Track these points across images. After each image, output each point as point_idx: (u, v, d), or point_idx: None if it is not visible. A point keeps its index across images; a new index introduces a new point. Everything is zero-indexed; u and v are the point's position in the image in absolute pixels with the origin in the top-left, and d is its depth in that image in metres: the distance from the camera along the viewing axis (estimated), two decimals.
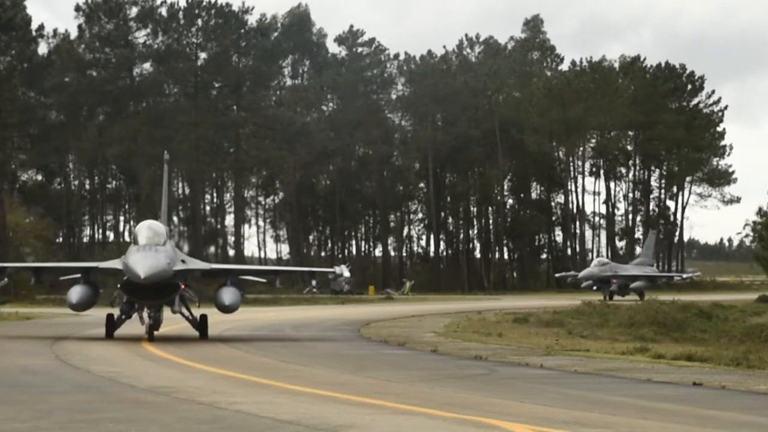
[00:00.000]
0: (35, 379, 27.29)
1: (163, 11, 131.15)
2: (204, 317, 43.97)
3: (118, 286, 41.64)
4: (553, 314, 63.09)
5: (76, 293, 43.28)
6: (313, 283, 58.08)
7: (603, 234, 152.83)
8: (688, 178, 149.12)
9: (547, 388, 25.36)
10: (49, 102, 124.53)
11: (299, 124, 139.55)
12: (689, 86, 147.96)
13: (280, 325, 53.41)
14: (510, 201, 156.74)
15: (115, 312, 43.37)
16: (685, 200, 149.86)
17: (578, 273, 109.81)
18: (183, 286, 41.91)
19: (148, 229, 41.65)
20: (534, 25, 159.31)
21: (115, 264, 43.70)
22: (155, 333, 41.66)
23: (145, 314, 41.65)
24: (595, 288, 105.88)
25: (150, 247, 40.35)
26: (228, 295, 43.47)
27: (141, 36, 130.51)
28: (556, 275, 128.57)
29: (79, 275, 46.48)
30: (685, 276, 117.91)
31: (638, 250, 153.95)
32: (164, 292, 41.14)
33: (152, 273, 39.46)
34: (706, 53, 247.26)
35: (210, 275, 46.65)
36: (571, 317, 62.72)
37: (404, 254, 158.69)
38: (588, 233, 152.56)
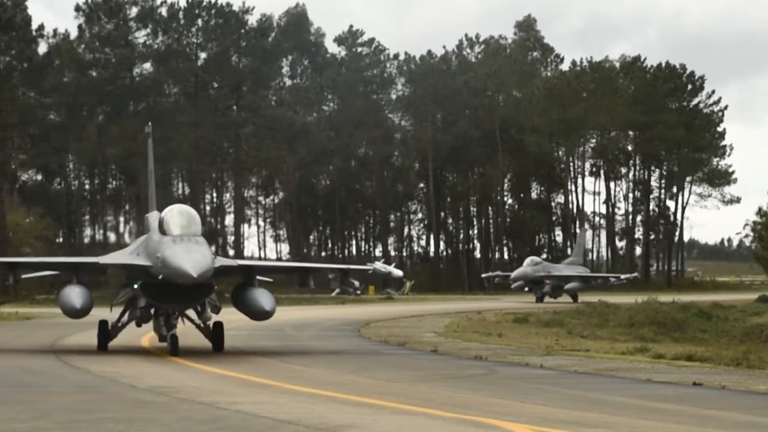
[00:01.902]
0: (35, 379, 27.29)
1: (163, 11, 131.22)
2: (219, 325, 36.77)
3: (135, 286, 34.81)
4: (553, 314, 63.12)
5: (78, 296, 35.51)
6: (356, 283, 46.94)
7: (603, 234, 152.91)
8: (688, 178, 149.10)
9: (547, 388, 25.36)
10: (49, 102, 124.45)
11: (299, 124, 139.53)
12: (689, 86, 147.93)
13: (280, 324, 53.39)
14: (510, 201, 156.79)
15: (110, 318, 37.54)
16: (685, 200, 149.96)
17: (507, 273, 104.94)
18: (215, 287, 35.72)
19: (181, 215, 34.48)
20: (527, 25, 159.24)
21: (124, 259, 37.04)
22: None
23: (163, 322, 35.32)
24: (526, 289, 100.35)
25: (188, 239, 33.39)
26: (266, 298, 36.53)
27: (141, 36, 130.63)
28: (483, 275, 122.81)
29: (52, 272, 41.63)
30: (623, 277, 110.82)
31: (638, 250, 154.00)
32: (198, 294, 34.30)
33: (203, 271, 32.37)
34: (709, 53, 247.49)
35: (227, 273, 38.00)
36: (571, 317, 62.76)
37: (404, 254, 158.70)
38: (588, 233, 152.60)
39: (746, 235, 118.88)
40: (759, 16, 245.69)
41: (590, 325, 56.99)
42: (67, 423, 18.73)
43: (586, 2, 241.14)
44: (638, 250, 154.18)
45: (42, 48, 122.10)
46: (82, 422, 18.79)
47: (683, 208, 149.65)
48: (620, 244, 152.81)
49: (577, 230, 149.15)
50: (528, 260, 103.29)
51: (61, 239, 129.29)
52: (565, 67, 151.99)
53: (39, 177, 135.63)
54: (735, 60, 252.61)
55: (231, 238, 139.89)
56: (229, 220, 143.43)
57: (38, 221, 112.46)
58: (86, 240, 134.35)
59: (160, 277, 33.08)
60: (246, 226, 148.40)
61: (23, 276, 41.46)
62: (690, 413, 20.71)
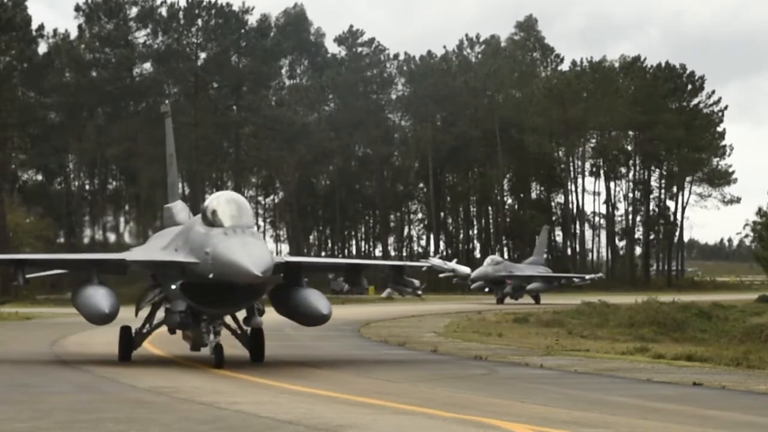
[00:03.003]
0: (35, 379, 27.29)
1: (163, 11, 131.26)
2: (259, 332, 31.75)
3: (173, 287, 30.01)
4: (553, 314, 63.12)
5: (104, 298, 31.03)
6: (416, 283, 32.80)
7: (603, 234, 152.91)
8: (688, 178, 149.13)
9: (547, 388, 25.36)
10: (49, 102, 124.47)
11: (299, 124, 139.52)
12: (689, 86, 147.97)
13: (279, 325, 53.43)
14: (510, 201, 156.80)
15: (134, 324, 33.18)
16: (685, 200, 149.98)
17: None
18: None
19: (230, 203, 29.76)
20: (528, 25, 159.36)
21: (157, 255, 31.95)
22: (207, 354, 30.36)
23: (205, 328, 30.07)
24: (486, 290, 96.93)
25: (242, 231, 28.84)
26: (321, 299, 32.09)
27: (141, 36, 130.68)
28: (440, 275, 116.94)
29: (60, 271, 37.47)
30: (587, 278, 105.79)
31: (638, 250, 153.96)
32: (250, 295, 29.64)
33: (266, 268, 27.89)
34: (711, 52, 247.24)
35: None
36: (571, 317, 62.75)
37: (404, 254, 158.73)
38: (588, 233, 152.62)
39: (746, 235, 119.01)
40: (762, 15, 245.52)
41: (590, 325, 57.00)
42: (67, 423, 18.73)
43: (588, 2, 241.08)
44: (638, 250, 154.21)
45: (42, 48, 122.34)
46: (82, 422, 18.80)
47: (683, 208, 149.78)
48: (620, 244, 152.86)
49: (578, 230, 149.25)
50: (488, 259, 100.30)
51: (61, 239, 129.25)
52: (565, 67, 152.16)
53: (39, 177, 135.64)
54: (738, 59, 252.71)
55: None
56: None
57: (38, 221, 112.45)
58: (86, 240, 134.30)
59: (211, 276, 28.34)
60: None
61: (31, 276, 34.97)
62: (690, 413, 20.71)
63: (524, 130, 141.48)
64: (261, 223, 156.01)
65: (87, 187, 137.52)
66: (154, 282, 32.71)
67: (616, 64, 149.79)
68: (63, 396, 23.18)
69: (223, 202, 29.83)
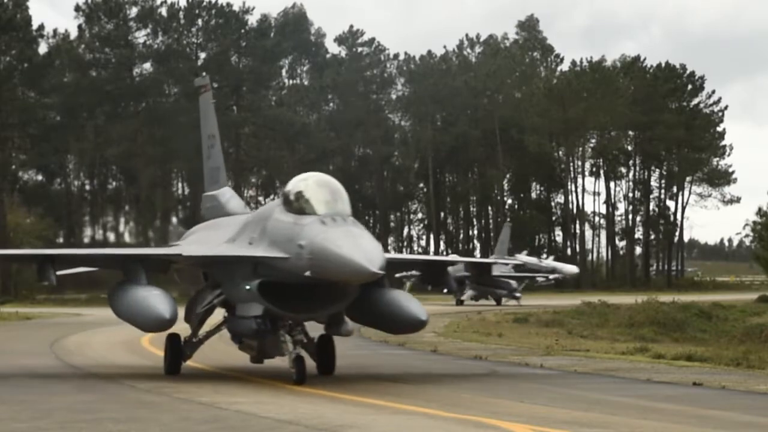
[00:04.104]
0: (35, 379, 27.29)
1: (163, 11, 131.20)
2: (329, 340, 27.76)
3: (247, 287, 25.47)
4: (553, 314, 63.11)
5: (163, 301, 26.35)
6: (513, 284, 28.11)
7: (603, 234, 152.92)
8: (688, 178, 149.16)
9: (547, 388, 25.36)
10: (49, 102, 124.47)
11: (299, 124, 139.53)
12: (689, 86, 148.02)
13: None
14: (510, 201, 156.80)
15: (182, 332, 28.32)
16: (685, 200, 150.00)
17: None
18: None
19: (322, 187, 25.45)
20: (530, 25, 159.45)
21: (225, 250, 27.19)
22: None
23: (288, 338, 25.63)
24: (445, 291, 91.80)
25: (343, 219, 24.53)
26: (414, 302, 27.74)
27: (141, 36, 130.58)
28: (396, 275, 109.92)
29: (90, 269, 32.22)
30: (551, 277, 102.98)
31: (638, 250, 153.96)
32: (341, 296, 25.44)
33: (382, 265, 23.85)
34: (714, 51, 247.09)
35: None
36: (571, 317, 62.75)
37: (404, 254, 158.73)
38: (588, 233, 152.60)
39: (746, 235, 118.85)
40: (766, 14, 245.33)
41: (590, 325, 57.00)
42: (67, 423, 18.74)
43: (591, 1, 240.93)
44: (638, 250, 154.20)
45: (42, 48, 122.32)
46: (82, 422, 18.80)
47: (683, 208, 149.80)
48: (620, 244, 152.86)
49: (578, 230, 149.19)
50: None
51: (61, 240, 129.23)
52: (565, 67, 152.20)
53: (39, 177, 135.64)
54: (740, 59, 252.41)
55: None
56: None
57: (38, 221, 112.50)
58: (86, 240, 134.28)
59: (308, 273, 24.00)
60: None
61: (61, 273, 29.55)
62: (690, 413, 20.72)
63: (524, 130, 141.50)
64: None
65: (87, 187, 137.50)
66: (208, 282, 28.25)
67: (618, 64, 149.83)
68: (63, 396, 23.18)
69: (312, 185, 25.41)
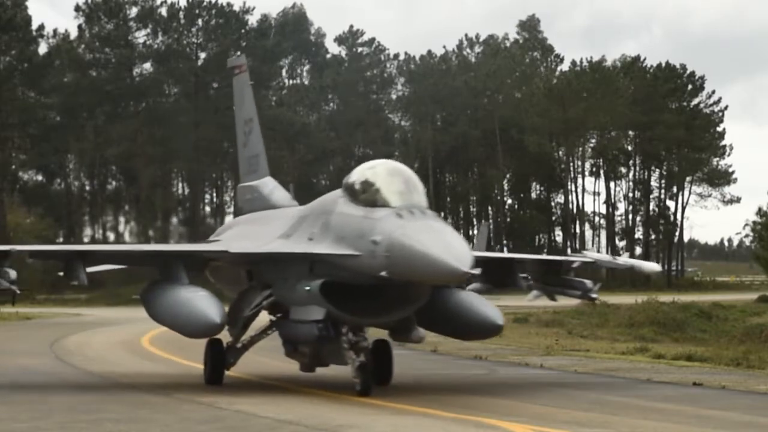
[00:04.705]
0: (35, 379, 27.29)
1: (163, 11, 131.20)
2: (384, 345, 25.37)
3: (306, 288, 23.09)
4: (553, 314, 63.11)
5: (211, 304, 23.79)
6: (588, 284, 23.23)
7: (603, 234, 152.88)
8: (688, 178, 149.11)
9: (547, 388, 25.37)
10: (49, 102, 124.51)
11: (299, 124, 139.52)
12: (689, 86, 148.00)
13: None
14: (510, 201, 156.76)
15: (224, 336, 25.66)
16: (685, 200, 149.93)
17: None
18: None
19: (394, 175, 23.11)
20: (531, 25, 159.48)
21: (279, 246, 24.66)
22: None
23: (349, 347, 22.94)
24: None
25: (422, 212, 22.08)
26: (490, 306, 25.35)
27: (141, 36, 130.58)
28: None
29: (115, 267, 29.90)
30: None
31: (638, 250, 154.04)
32: (414, 299, 23.10)
33: (472, 264, 21.42)
34: (716, 51, 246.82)
35: None
36: (571, 317, 62.76)
37: None
38: (588, 233, 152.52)
39: (746, 235, 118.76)
40: (766, 14, 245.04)
41: (590, 325, 57.02)
42: (67, 423, 18.74)
43: (591, 1, 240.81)
44: (638, 250, 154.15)
45: (42, 48, 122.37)
46: (82, 422, 18.79)
47: (683, 208, 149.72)
48: (620, 244, 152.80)
49: (578, 230, 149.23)
50: None
51: (61, 240, 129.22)
52: (565, 67, 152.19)
53: (39, 177, 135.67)
54: (741, 59, 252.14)
55: None
56: (229, 220, 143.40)
57: (38, 221, 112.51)
58: (86, 240, 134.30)
59: (384, 273, 21.56)
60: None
61: (91, 270, 26.93)
62: (690, 413, 20.72)
63: (524, 130, 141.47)
64: None
65: (87, 187, 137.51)
66: (252, 282, 25.68)
67: (618, 64, 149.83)
68: (63, 396, 23.18)
69: (382, 173, 23.02)
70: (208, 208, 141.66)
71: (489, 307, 25.00)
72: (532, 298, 29.31)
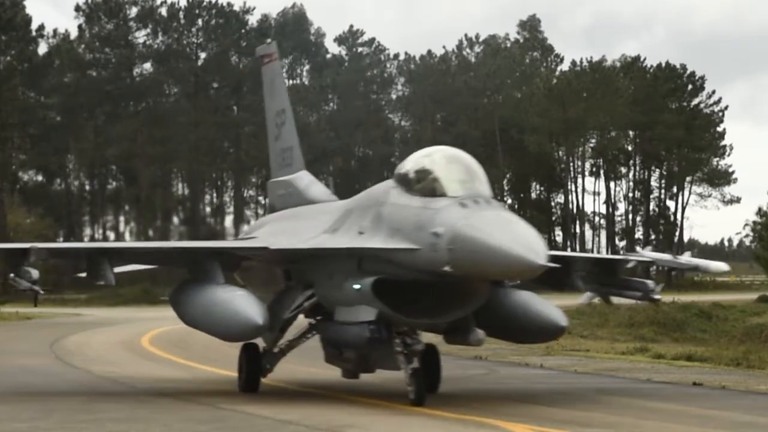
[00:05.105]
0: (35, 379, 27.28)
1: (163, 11, 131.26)
2: (432, 350, 23.77)
3: (355, 287, 21.36)
4: None
5: (251, 304, 22.02)
6: (650, 284, 21.76)
7: (603, 234, 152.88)
8: (688, 178, 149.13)
9: (548, 389, 25.35)
10: (49, 102, 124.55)
11: (299, 124, 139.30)
12: (689, 86, 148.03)
13: None
14: (510, 201, 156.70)
15: (259, 341, 23.94)
16: (685, 200, 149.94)
17: None
18: None
19: (453, 163, 21.48)
20: (531, 25, 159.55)
21: (325, 241, 22.94)
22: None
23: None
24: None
25: (486, 202, 20.61)
26: (551, 306, 23.71)
27: (141, 36, 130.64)
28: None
29: (141, 267, 28.07)
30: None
31: (638, 250, 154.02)
32: (469, 298, 21.46)
33: (547, 256, 19.93)
34: (718, 51, 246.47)
35: None
36: (570, 317, 62.60)
37: None
38: (588, 233, 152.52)
39: (746, 235, 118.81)
40: (766, 14, 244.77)
41: (590, 325, 56.94)
42: (67, 423, 18.73)
43: (592, 1, 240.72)
44: (638, 250, 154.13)
45: (42, 48, 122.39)
46: (82, 422, 18.79)
47: (683, 208, 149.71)
48: (620, 244, 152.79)
49: (578, 230, 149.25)
50: None
51: (61, 240, 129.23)
52: (565, 67, 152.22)
53: (39, 177, 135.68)
54: (741, 58, 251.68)
55: (231, 239, 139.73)
56: (229, 220, 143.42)
57: (38, 221, 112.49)
58: (86, 240, 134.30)
59: (448, 269, 19.89)
60: (246, 226, 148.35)
61: (119, 270, 24.84)
62: (690, 413, 20.72)
63: (524, 130, 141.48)
64: None
65: (87, 187, 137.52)
66: (291, 282, 23.95)
67: (618, 64, 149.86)
68: (63, 396, 23.18)
69: (441, 161, 21.33)
70: (208, 208, 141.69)
71: (550, 307, 23.32)
72: (586, 300, 27.56)
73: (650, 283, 26.09)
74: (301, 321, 24.13)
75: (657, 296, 26.64)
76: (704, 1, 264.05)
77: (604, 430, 18.29)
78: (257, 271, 25.41)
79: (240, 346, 23.95)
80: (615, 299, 27.61)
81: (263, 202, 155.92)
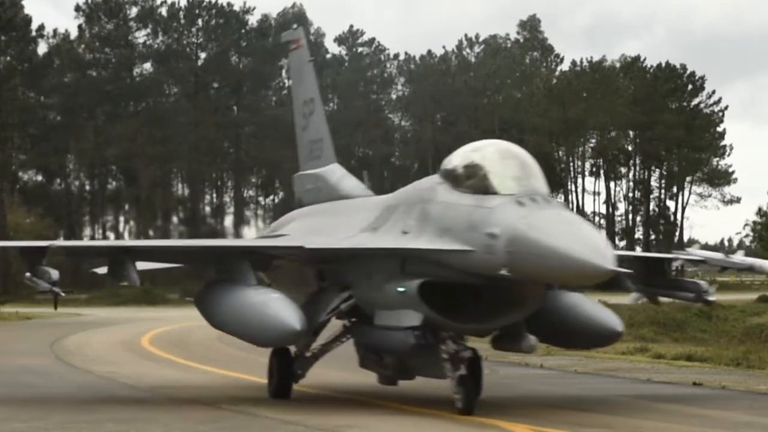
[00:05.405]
0: (35, 379, 27.27)
1: (163, 11, 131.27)
2: (476, 360, 21.32)
3: (399, 289, 20.17)
4: None
5: (287, 307, 20.71)
6: (703, 285, 23.60)
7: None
8: (688, 178, 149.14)
9: (548, 389, 25.35)
10: (49, 102, 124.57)
11: None
12: (689, 86, 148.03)
13: None
14: None
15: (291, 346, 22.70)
16: (685, 200, 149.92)
17: None
18: None
19: (509, 158, 20.12)
20: (532, 25, 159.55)
21: (365, 240, 21.59)
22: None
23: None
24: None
25: (545, 201, 19.37)
26: (606, 309, 22.56)
27: (141, 36, 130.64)
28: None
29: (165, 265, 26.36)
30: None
31: (638, 250, 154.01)
32: (522, 302, 20.18)
33: (615, 260, 18.85)
34: (717, 51, 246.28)
35: None
36: None
37: None
38: None
39: (746, 235, 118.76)
40: (767, 14, 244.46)
41: None
42: (67, 423, 18.73)
43: (593, 1, 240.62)
44: (638, 250, 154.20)
45: (42, 48, 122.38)
46: (82, 422, 18.79)
47: (683, 208, 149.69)
48: (620, 244, 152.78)
49: None
50: None
51: (61, 239, 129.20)
52: (565, 67, 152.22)
53: (39, 177, 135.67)
54: (741, 58, 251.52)
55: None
56: (229, 220, 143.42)
57: (38, 221, 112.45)
58: (86, 240, 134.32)
59: (504, 272, 18.65)
60: (246, 226, 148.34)
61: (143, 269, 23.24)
62: (690, 413, 20.72)
63: (524, 130, 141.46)
64: (261, 224, 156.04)
65: (87, 187, 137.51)
66: (325, 283, 22.72)
67: (617, 64, 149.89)
68: (63, 396, 23.18)
69: (493, 155, 20.04)
70: (208, 208, 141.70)
71: (603, 310, 22.11)
72: (632, 301, 26.50)
73: (703, 283, 24.93)
74: (334, 323, 23.17)
75: (711, 298, 25.35)
76: (704, 1, 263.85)
77: (604, 430, 18.29)
78: (286, 271, 23.87)
79: (269, 351, 22.76)
80: (616, 300, 27.55)
81: (263, 202, 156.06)
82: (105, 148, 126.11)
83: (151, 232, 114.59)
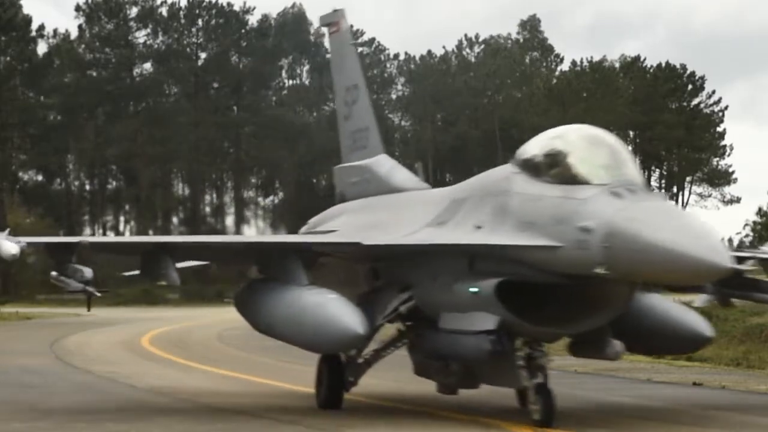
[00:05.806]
0: (35, 379, 27.27)
1: (164, 11, 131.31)
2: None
3: (473, 290, 18.33)
4: None
5: (347, 309, 18.91)
6: None
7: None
8: (688, 178, 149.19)
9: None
10: (49, 102, 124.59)
11: (299, 124, 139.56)
12: (689, 86, 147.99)
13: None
14: None
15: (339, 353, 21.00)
16: (685, 200, 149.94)
17: None
18: None
19: (598, 144, 18.83)
20: (532, 25, 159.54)
21: (422, 235, 19.99)
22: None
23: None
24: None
25: (642, 192, 17.46)
26: (692, 313, 21.51)
27: (141, 36, 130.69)
28: None
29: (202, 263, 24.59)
30: None
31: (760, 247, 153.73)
32: (608, 304, 18.10)
33: (730, 258, 16.69)
34: (717, 51, 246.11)
35: None
36: None
37: None
38: None
39: (746, 235, 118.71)
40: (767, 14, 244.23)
41: None
42: (67, 423, 18.73)
43: (593, 1, 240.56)
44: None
45: (42, 48, 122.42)
46: (82, 422, 18.78)
47: (683, 208, 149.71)
48: None
49: None
50: None
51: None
52: (565, 67, 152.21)
53: (39, 177, 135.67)
54: (742, 58, 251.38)
55: None
56: (229, 220, 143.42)
57: (38, 221, 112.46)
58: None
59: (601, 270, 16.84)
60: (246, 226, 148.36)
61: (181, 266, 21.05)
62: (690, 413, 20.71)
63: (524, 130, 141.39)
64: (261, 223, 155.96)
65: (87, 187, 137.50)
66: (380, 282, 20.84)
67: (617, 65, 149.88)
68: (63, 396, 23.18)
69: (579, 142, 18.48)
70: (208, 208, 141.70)
71: (692, 314, 20.65)
72: (702, 303, 25.09)
73: None
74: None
75: None
76: (704, 1, 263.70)
77: (604, 430, 18.28)
78: (334, 269, 21.69)
79: (318, 357, 21.05)
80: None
81: (263, 202, 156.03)
82: (105, 148, 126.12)
83: (151, 233, 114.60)
